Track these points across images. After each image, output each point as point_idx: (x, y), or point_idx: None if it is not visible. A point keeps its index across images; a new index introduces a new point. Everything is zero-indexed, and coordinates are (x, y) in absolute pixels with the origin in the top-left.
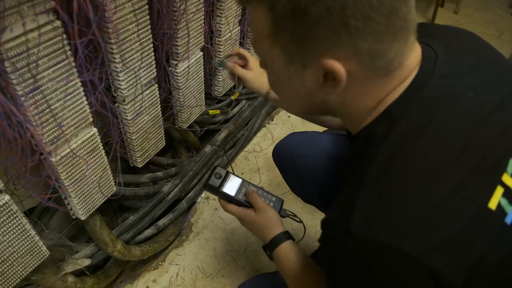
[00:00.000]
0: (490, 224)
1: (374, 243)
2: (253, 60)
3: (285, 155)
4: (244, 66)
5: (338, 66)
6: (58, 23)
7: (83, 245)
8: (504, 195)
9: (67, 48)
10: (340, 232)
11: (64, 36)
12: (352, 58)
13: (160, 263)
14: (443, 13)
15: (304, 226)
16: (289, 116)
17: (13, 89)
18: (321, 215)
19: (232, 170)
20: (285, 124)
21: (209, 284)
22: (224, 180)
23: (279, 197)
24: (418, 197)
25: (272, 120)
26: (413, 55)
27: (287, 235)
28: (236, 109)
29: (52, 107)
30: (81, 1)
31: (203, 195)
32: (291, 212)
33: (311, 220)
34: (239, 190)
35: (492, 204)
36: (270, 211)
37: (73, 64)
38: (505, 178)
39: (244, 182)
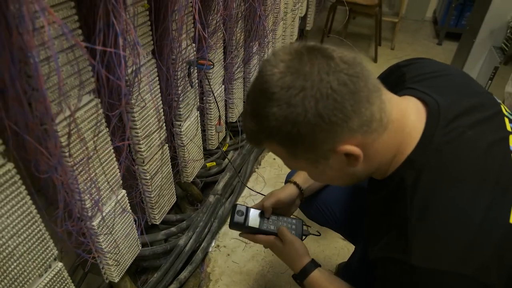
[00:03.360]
0: None
1: (436, 272)
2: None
3: None
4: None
5: (349, 147)
6: (97, 100)
7: None
8: None
9: (104, 120)
10: (402, 267)
11: (101, 110)
12: (354, 135)
13: None
14: (382, 50)
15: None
16: (274, 159)
17: (64, 162)
18: None
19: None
20: (272, 166)
21: None
22: (246, 215)
23: (298, 218)
24: (459, 227)
25: (260, 165)
26: (394, 108)
27: (314, 264)
28: (227, 159)
29: (93, 174)
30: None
31: (213, 244)
32: (309, 231)
33: (328, 232)
34: (262, 221)
35: None
36: (297, 243)
37: (108, 133)
38: None
39: (263, 212)
